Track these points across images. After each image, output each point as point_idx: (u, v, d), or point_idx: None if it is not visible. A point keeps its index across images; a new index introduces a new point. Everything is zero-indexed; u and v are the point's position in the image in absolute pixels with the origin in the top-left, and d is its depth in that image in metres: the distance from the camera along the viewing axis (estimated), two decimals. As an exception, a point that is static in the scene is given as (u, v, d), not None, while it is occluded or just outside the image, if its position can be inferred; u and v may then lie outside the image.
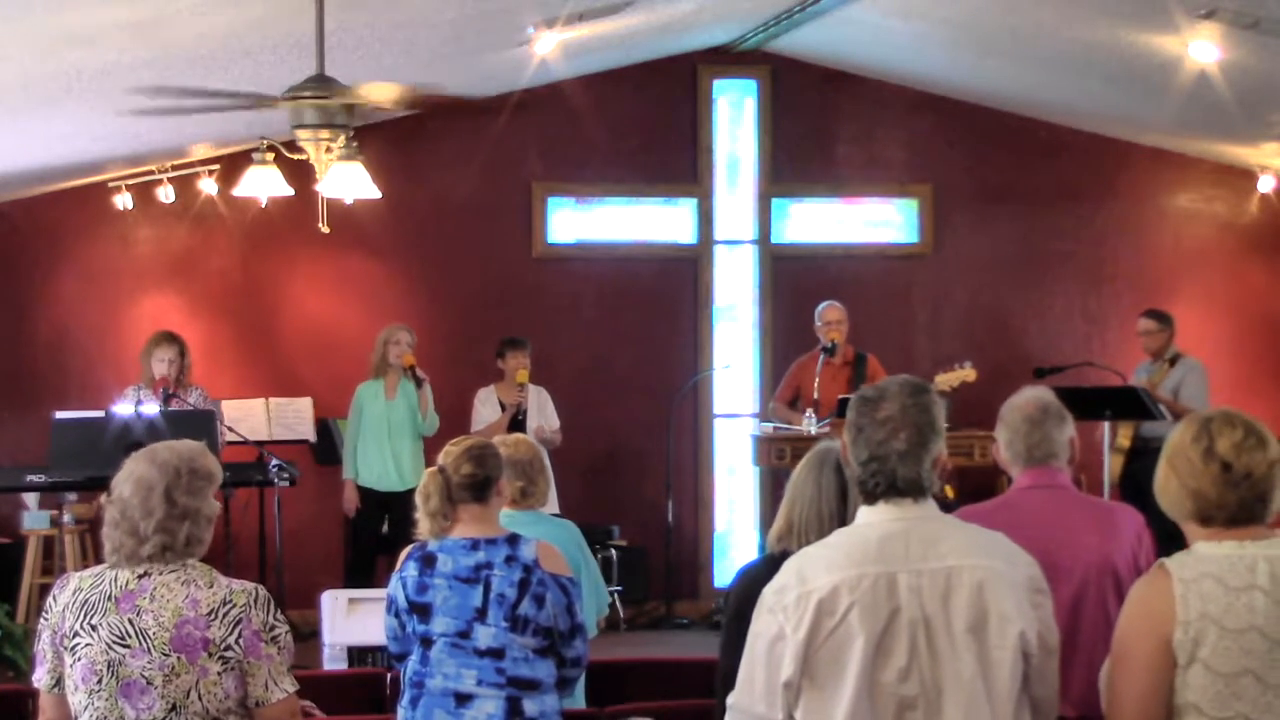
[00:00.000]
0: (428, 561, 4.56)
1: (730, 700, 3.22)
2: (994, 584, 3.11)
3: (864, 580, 3.09)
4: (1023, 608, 3.12)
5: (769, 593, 3.17)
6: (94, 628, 3.58)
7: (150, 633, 3.55)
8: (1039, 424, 4.50)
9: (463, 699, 4.49)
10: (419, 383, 9.47)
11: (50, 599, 3.70)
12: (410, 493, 9.42)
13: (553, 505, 9.40)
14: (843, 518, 4.17)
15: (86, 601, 3.61)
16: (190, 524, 3.62)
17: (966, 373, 9.48)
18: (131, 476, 3.63)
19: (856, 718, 3.05)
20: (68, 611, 3.62)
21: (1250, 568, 3.17)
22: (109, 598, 3.59)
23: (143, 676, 3.54)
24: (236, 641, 3.57)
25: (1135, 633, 3.20)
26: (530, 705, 4.51)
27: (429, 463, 9.34)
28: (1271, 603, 3.14)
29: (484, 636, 4.49)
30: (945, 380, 9.50)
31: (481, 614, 4.49)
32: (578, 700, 5.42)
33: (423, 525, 4.62)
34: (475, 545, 4.55)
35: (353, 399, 9.54)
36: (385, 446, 9.45)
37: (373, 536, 9.54)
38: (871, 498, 3.20)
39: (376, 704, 5.92)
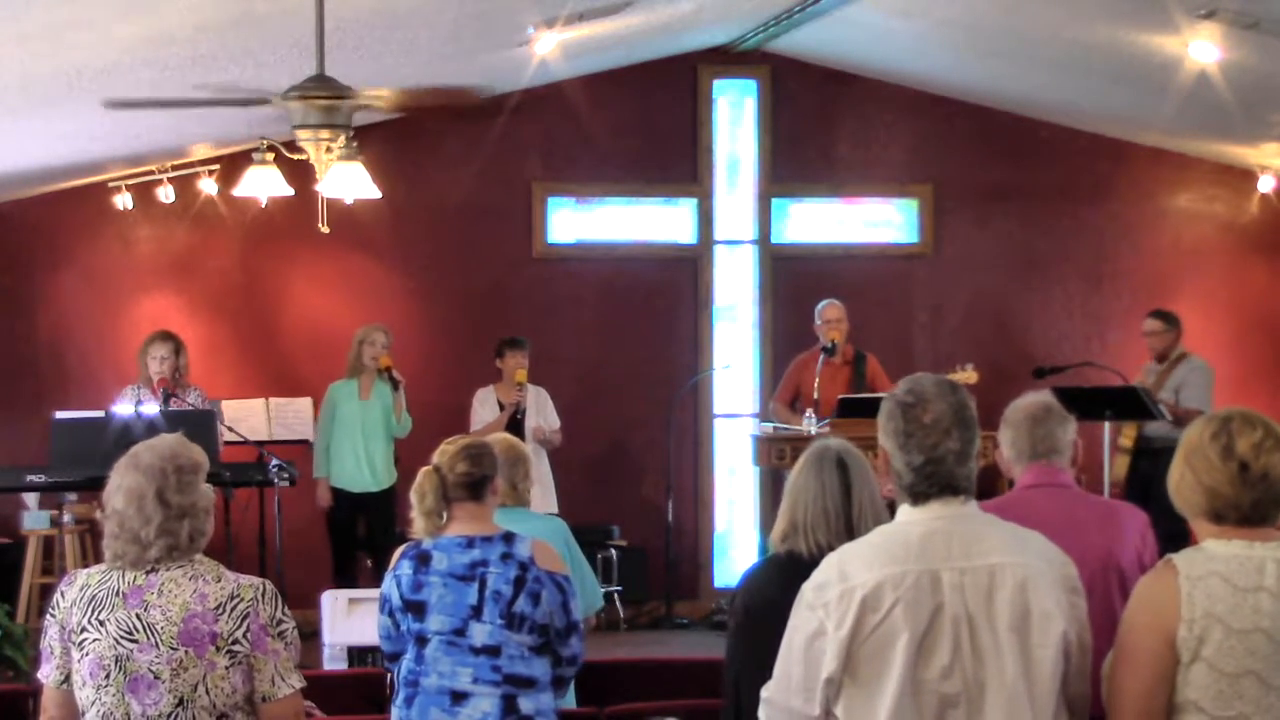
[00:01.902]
0: (423, 560, 4.55)
1: (765, 694, 3.23)
2: (1036, 582, 3.12)
3: (907, 577, 3.10)
4: (1063, 606, 3.14)
5: (809, 589, 3.18)
6: (102, 623, 3.59)
7: (158, 627, 3.56)
8: (1042, 421, 4.55)
9: (458, 697, 4.48)
10: (395, 384, 9.47)
11: (58, 595, 3.71)
12: (384, 493, 9.57)
13: (551, 505, 9.42)
14: (848, 514, 4.17)
15: (95, 597, 3.62)
16: (190, 520, 3.63)
17: (968, 375, 9.49)
18: (121, 488, 3.63)
19: (899, 715, 3.06)
20: (75, 607, 3.63)
21: (1259, 569, 3.17)
22: (117, 593, 3.61)
23: (150, 671, 3.56)
24: (244, 636, 3.58)
25: (1139, 628, 3.21)
26: (526, 703, 4.51)
27: (400, 463, 9.43)
28: (1279, 604, 3.14)
29: (479, 634, 4.48)
30: (946, 381, 9.49)
31: (477, 612, 4.48)
32: (568, 700, 5.41)
33: (418, 524, 4.61)
34: (471, 543, 4.55)
35: (325, 398, 9.54)
36: (359, 447, 9.44)
37: (349, 536, 9.55)
38: (923, 498, 3.20)
39: (376, 704, 5.92)
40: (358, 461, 9.45)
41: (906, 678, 3.06)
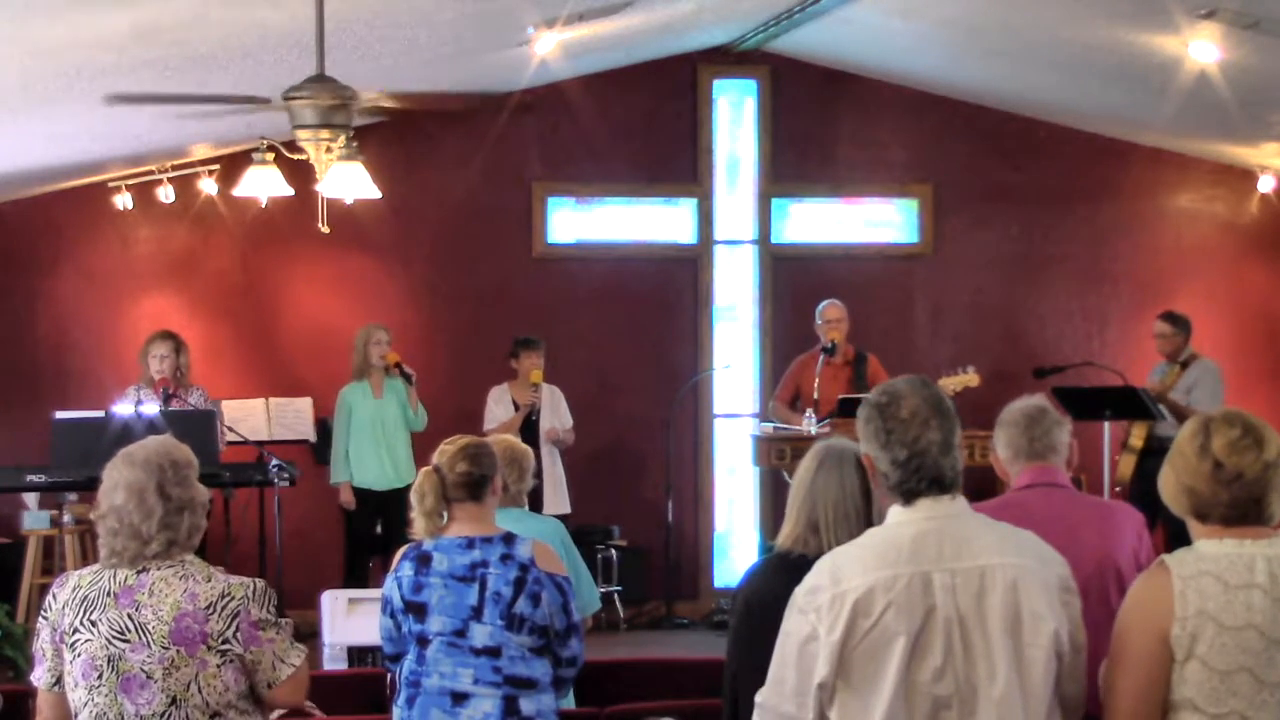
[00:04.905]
0: (423, 561, 4.56)
1: (759, 699, 3.22)
2: (1027, 583, 3.12)
3: (899, 580, 3.09)
4: (1055, 607, 3.13)
5: (800, 593, 3.16)
6: (94, 624, 3.59)
7: (150, 627, 3.57)
8: (1038, 420, 4.57)
9: (459, 698, 4.49)
10: (408, 378, 9.48)
11: (49, 597, 3.72)
12: (406, 490, 9.51)
13: (564, 506, 9.45)
14: (868, 516, 4.11)
15: (86, 598, 3.62)
16: (189, 514, 3.65)
17: (970, 377, 9.50)
18: (120, 483, 3.64)
19: (893, 718, 3.06)
20: (67, 609, 3.64)
21: (1250, 566, 3.18)
22: (108, 594, 3.61)
23: (142, 671, 3.56)
24: (235, 635, 3.59)
25: (1133, 628, 3.21)
26: (527, 704, 4.51)
27: (419, 459, 9.41)
28: (1270, 601, 3.15)
29: (480, 635, 4.49)
30: (948, 384, 9.51)
31: (477, 613, 4.49)
32: (567, 700, 5.41)
33: (418, 524, 4.62)
34: (471, 544, 4.55)
35: (338, 403, 9.52)
36: (381, 445, 9.45)
37: (367, 537, 9.54)
38: (912, 496, 3.18)
39: (377, 704, 5.92)
40: (380, 460, 9.45)
41: (900, 681, 3.05)
